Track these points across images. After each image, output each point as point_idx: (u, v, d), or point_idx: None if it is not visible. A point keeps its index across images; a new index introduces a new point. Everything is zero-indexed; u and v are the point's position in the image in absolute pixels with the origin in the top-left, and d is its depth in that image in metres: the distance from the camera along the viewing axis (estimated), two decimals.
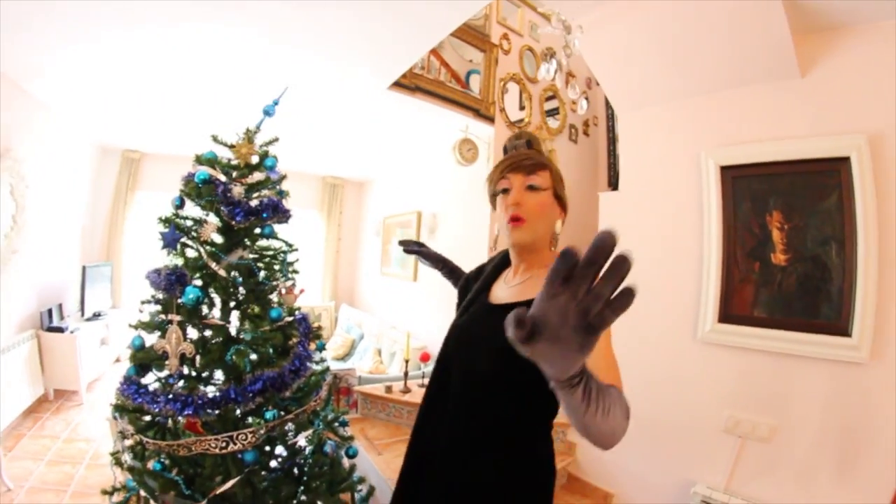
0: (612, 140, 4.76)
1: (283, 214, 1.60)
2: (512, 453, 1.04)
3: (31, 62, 2.96)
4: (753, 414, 2.22)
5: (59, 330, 3.83)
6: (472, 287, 1.37)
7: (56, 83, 3.32)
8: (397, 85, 3.25)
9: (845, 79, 2.11)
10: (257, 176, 1.60)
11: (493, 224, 4.91)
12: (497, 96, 3.75)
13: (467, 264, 1.50)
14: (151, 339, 1.50)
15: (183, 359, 1.43)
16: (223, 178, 1.54)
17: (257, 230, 1.62)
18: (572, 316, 0.54)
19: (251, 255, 1.59)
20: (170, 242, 1.50)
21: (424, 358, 3.59)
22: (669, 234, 2.61)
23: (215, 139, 1.62)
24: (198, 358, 1.48)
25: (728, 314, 2.35)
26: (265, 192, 1.61)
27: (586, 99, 3.22)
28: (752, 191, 2.34)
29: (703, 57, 2.40)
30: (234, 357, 1.44)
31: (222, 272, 1.49)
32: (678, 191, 2.59)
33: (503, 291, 1.24)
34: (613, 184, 4.61)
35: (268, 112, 1.65)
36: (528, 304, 0.95)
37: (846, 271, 2.04)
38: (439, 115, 3.62)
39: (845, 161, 2.05)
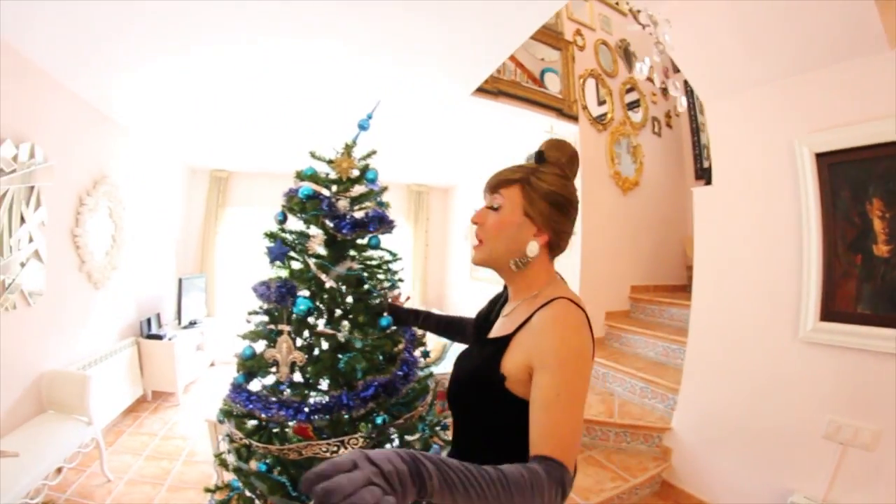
0: (695, 130, 4.73)
1: (388, 225, 1.71)
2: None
3: (118, 93, 3.31)
4: (856, 419, 2.19)
5: (158, 337, 4.35)
6: (483, 319, 1.42)
7: (140, 108, 3.66)
8: (480, 90, 3.41)
9: None
10: (358, 189, 1.72)
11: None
12: (579, 94, 3.84)
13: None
14: (257, 347, 1.65)
15: (293, 367, 1.56)
16: (326, 192, 1.67)
17: (361, 241, 1.74)
18: None
19: (357, 266, 1.69)
20: (277, 256, 1.63)
21: None
22: (767, 229, 2.61)
23: (313, 155, 1.75)
24: (308, 367, 1.60)
25: (830, 311, 2.33)
26: (367, 203, 1.72)
27: (686, 94, 3.26)
28: (849, 178, 2.31)
29: (784, 38, 2.39)
30: (347, 364, 1.54)
31: (331, 283, 1.61)
32: (772, 182, 2.58)
33: (498, 323, 1.28)
34: (700, 175, 4.60)
35: (363, 126, 1.75)
36: (503, 340, 1.12)
37: None
38: (523, 117, 3.74)
39: None
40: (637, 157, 4.13)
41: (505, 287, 1.38)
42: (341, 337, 1.60)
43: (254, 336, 1.64)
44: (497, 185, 1.19)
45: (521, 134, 4.14)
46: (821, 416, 2.29)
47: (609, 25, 4.21)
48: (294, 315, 1.58)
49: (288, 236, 1.68)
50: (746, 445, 2.59)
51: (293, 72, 3.05)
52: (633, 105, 4.36)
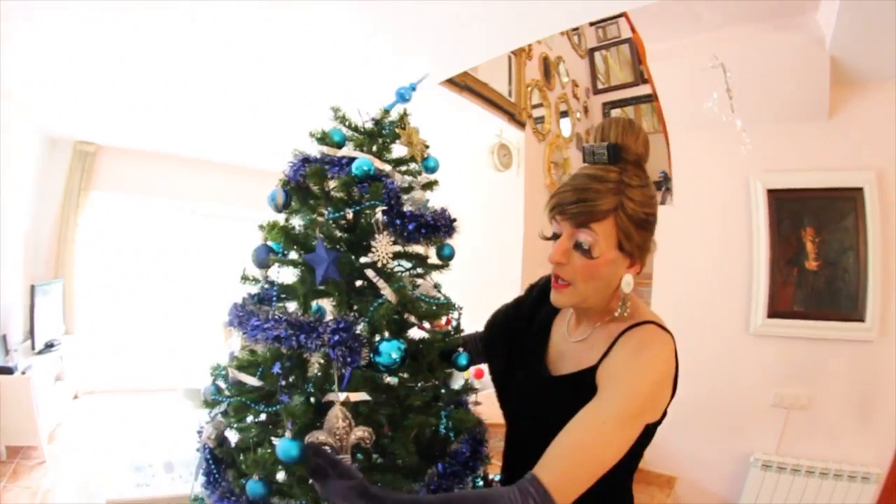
0: None
1: (453, 230, 1.33)
2: None
3: None
4: (795, 388, 3.42)
5: (8, 371, 3.62)
6: (517, 327, 1.41)
7: None
8: (449, 81, 3.74)
9: (861, 124, 3.34)
10: (424, 176, 1.43)
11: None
12: (527, 102, 4.46)
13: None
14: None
15: (355, 451, 1.13)
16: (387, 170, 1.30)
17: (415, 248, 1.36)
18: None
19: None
20: (329, 268, 1.16)
21: (479, 375, 4.43)
22: (723, 244, 3.68)
23: (340, 117, 1.37)
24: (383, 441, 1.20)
25: (774, 311, 3.51)
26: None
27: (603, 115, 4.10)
28: (790, 210, 3.52)
29: (753, 93, 3.40)
30: (428, 424, 1.25)
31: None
32: (729, 206, 3.67)
33: (564, 347, 1.28)
34: None
35: (403, 96, 1.42)
36: (587, 372, 1.12)
37: (860, 273, 3.30)
38: (478, 116, 4.15)
39: (860, 190, 3.31)
40: (566, 169, 5.00)
41: (539, 290, 1.44)
42: (417, 389, 1.27)
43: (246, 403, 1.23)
44: (586, 219, 1.10)
45: (470, 134, 4.57)
46: (769, 390, 3.48)
47: (551, 40, 4.97)
48: (355, 369, 1.12)
49: (297, 227, 1.30)
50: (708, 422, 3.68)
51: (187, 31, 2.94)
52: (562, 115, 5.28)
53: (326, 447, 1.04)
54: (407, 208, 1.23)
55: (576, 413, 1.03)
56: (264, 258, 1.30)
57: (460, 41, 3.13)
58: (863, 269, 3.38)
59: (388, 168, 1.31)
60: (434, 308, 1.30)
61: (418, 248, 1.37)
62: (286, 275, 1.32)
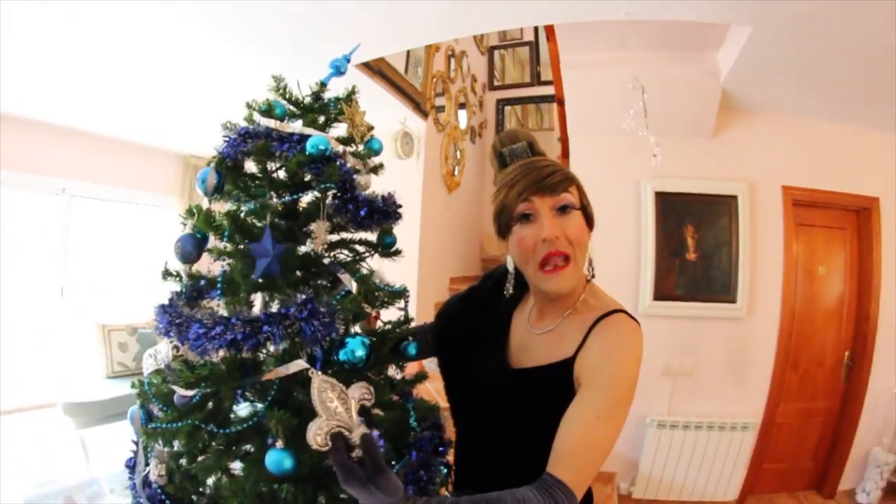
0: None
1: (398, 216, 1.24)
2: None
3: None
4: (680, 359, 4.02)
5: None
6: (473, 318, 1.38)
7: None
8: (364, 65, 3.82)
9: (739, 144, 4.01)
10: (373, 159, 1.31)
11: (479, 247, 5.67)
12: (431, 93, 4.62)
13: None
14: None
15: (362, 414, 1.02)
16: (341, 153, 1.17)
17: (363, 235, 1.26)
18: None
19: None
20: (272, 263, 1.01)
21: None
22: (612, 238, 4.14)
23: (281, 90, 1.22)
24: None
25: (659, 294, 4.06)
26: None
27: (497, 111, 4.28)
28: (674, 210, 4.08)
29: (651, 107, 3.79)
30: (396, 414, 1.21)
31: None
32: (620, 205, 4.15)
33: (528, 339, 1.26)
34: None
35: (339, 68, 1.29)
36: (562, 365, 1.12)
37: (732, 264, 3.95)
38: (385, 103, 4.26)
39: (734, 198, 3.98)
40: (462, 160, 5.29)
41: (495, 282, 1.41)
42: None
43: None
44: (563, 181, 1.14)
45: (375, 120, 4.62)
46: (658, 361, 4.02)
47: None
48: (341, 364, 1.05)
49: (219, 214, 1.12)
50: None
51: None
52: (460, 107, 5.46)
53: (340, 430, 0.91)
54: (359, 192, 1.15)
55: (547, 406, 1.10)
56: (191, 250, 1.13)
57: (394, 24, 3.23)
58: (734, 261, 4.07)
59: (341, 148, 1.19)
60: (388, 296, 1.24)
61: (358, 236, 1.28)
62: (214, 269, 1.16)
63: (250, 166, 1.18)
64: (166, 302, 1.10)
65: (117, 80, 3.95)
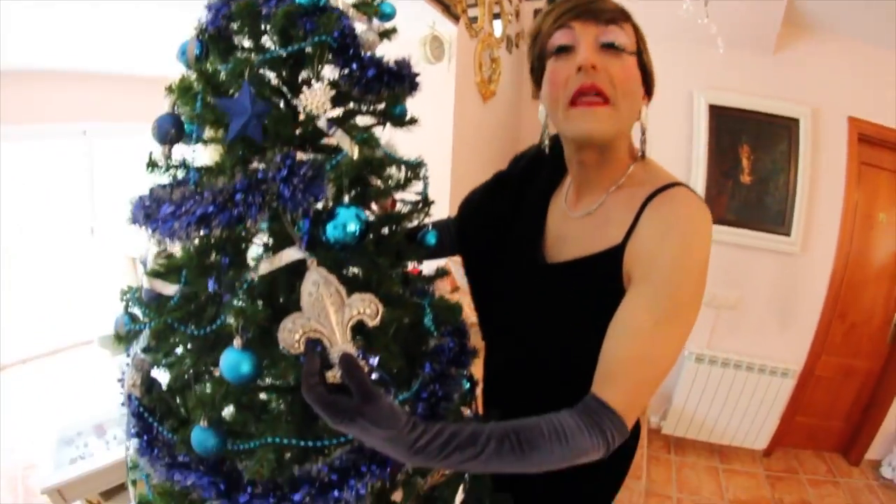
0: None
1: (414, 84, 1.06)
2: None
3: None
4: (726, 290, 3.70)
5: None
6: (501, 209, 1.18)
7: None
8: None
9: (802, 65, 3.60)
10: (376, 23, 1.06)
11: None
12: None
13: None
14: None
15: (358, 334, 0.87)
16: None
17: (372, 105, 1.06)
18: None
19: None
20: (250, 123, 0.83)
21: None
22: (664, 152, 3.93)
23: None
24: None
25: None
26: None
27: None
28: (730, 127, 3.70)
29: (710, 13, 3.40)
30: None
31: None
32: (671, 118, 3.76)
33: (566, 228, 1.06)
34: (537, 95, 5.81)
35: None
36: (607, 255, 0.90)
37: (789, 193, 3.58)
38: (412, 5, 3.74)
39: (796, 121, 3.58)
40: (496, 69, 4.90)
41: (526, 164, 1.21)
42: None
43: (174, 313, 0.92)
44: (615, 11, 0.93)
45: (402, 24, 4.26)
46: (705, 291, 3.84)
47: None
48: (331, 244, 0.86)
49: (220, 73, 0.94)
50: None
51: None
52: (495, 16, 5.05)
53: (316, 335, 0.75)
54: (364, 52, 0.97)
55: (590, 308, 0.93)
56: (167, 129, 0.96)
57: None
58: (791, 190, 3.68)
59: (341, 1, 0.99)
60: (403, 170, 1.05)
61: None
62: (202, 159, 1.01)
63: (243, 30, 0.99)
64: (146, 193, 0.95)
65: (123, 14, 3.72)
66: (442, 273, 1.11)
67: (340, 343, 0.75)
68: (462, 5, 4.33)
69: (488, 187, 1.30)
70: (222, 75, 0.92)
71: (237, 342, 0.78)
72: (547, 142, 1.12)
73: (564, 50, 0.92)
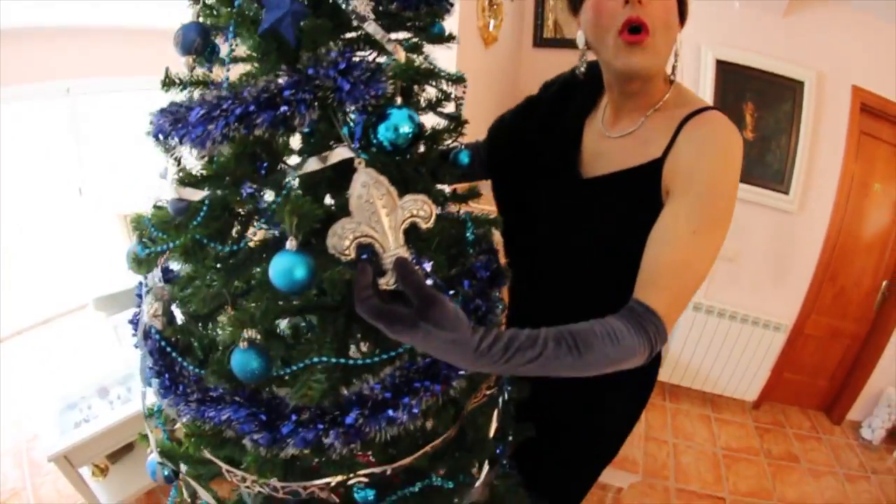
0: (540, 3, 5.68)
1: (450, 3, 1.03)
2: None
3: None
4: (726, 241, 3.93)
5: None
6: (533, 130, 1.18)
7: None
8: None
9: (811, 31, 3.61)
10: None
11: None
12: None
13: None
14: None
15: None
16: None
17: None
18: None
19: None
20: (284, 19, 0.76)
21: None
22: None
23: None
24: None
25: None
26: None
27: None
28: (735, 83, 3.72)
29: None
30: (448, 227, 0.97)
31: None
32: (678, 72, 3.94)
33: (602, 146, 1.08)
34: (538, 43, 5.70)
35: None
36: (647, 169, 0.95)
37: (789, 152, 3.64)
38: None
39: (801, 83, 3.61)
40: (499, 14, 4.82)
41: (558, 88, 1.22)
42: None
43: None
44: None
45: None
46: None
47: None
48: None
49: None
50: None
51: None
52: None
53: (368, 240, 0.71)
54: None
55: (628, 219, 0.98)
56: (193, 38, 0.88)
57: None
58: (793, 150, 3.72)
59: None
60: (443, 84, 1.04)
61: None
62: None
63: None
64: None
65: None
66: (475, 193, 1.09)
67: (394, 248, 0.72)
68: None
69: (520, 110, 1.32)
70: None
71: (291, 243, 0.72)
72: (582, 68, 1.14)
73: None
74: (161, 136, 0.81)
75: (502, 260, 1.08)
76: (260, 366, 0.77)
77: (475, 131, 1.37)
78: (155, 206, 0.97)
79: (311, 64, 0.73)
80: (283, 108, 0.70)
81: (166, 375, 0.89)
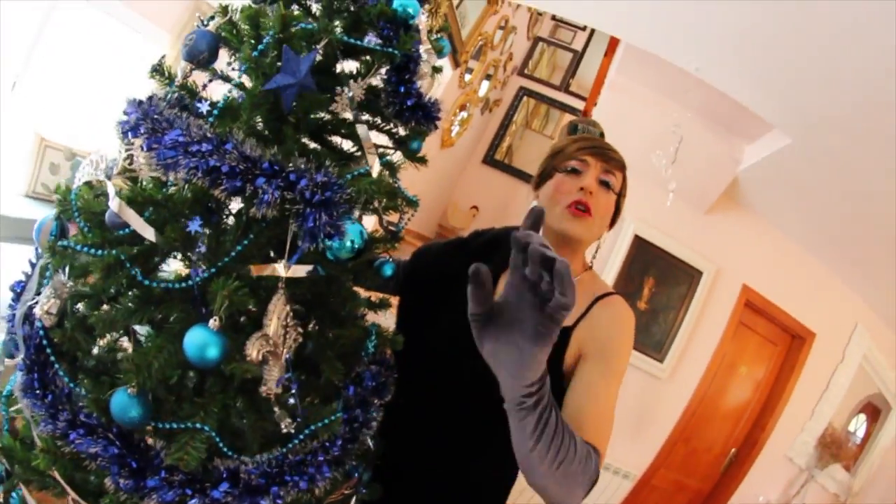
0: (505, 125, 6.31)
1: (435, 122, 1.00)
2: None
3: None
4: None
5: None
6: (455, 268, 1.13)
7: None
8: None
9: (725, 234, 4.20)
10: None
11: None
12: (471, 48, 4.54)
13: None
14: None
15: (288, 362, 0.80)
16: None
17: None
18: (530, 296, 0.67)
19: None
20: (204, 52, 0.84)
21: None
22: None
23: None
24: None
25: None
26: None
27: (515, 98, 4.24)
28: (643, 257, 4.19)
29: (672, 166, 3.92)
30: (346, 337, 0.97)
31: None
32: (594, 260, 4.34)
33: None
34: (486, 161, 6.17)
35: None
36: (568, 332, 1.10)
37: (673, 328, 4.10)
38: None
39: (700, 273, 4.16)
40: (465, 124, 5.20)
41: (485, 242, 1.35)
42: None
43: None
44: (620, 163, 1.21)
45: None
46: None
47: (518, 4, 4.94)
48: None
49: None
50: None
51: None
52: (486, 77, 5.40)
53: (263, 348, 0.75)
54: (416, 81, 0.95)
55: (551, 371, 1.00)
56: (202, 49, 0.88)
57: None
58: (676, 327, 4.22)
59: (423, 23, 0.97)
60: (399, 202, 1.05)
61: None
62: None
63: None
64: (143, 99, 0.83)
65: None
66: (386, 304, 1.13)
67: (277, 367, 0.78)
68: (466, 56, 4.63)
69: (447, 245, 1.41)
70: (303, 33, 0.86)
71: (214, 323, 0.72)
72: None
73: (575, 171, 1.18)
74: (130, 132, 0.78)
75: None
76: (140, 416, 0.75)
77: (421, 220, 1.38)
78: (85, 184, 0.90)
79: (293, 169, 0.75)
80: (251, 186, 0.72)
81: (36, 376, 0.82)
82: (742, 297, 4.33)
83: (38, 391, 0.81)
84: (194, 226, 0.77)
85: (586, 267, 1.27)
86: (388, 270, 1.08)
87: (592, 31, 6.31)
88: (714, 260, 4.28)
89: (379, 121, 1.04)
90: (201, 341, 0.72)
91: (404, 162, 1.09)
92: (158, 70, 0.91)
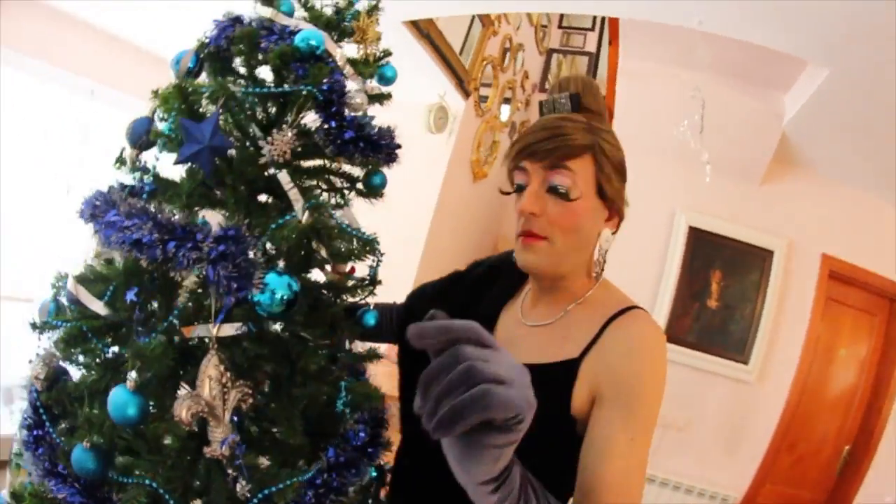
0: None
1: (393, 156, 1.02)
2: None
3: None
4: (676, 411, 3.67)
5: None
6: (453, 306, 1.05)
7: None
8: (412, 23, 3.45)
9: (786, 201, 3.74)
10: (371, 84, 1.06)
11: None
12: (479, 73, 4.39)
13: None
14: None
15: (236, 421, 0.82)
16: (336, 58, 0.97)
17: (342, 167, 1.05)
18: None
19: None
20: (202, 154, 0.83)
21: None
22: (633, 265, 3.69)
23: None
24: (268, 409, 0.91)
25: (669, 336, 3.89)
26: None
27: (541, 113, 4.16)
28: (704, 250, 3.80)
29: (704, 137, 3.52)
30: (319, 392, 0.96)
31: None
32: (647, 234, 3.83)
33: (516, 333, 1.07)
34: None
35: None
36: (561, 366, 0.92)
37: (753, 322, 3.66)
38: (427, 72, 3.94)
39: (771, 253, 3.69)
40: (494, 151, 5.01)
41: (485, 270, 1.23)
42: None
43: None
44: (562, 155, 0.93)
45: (412, 87, 4.13)
46: None
47: (519, 25, 4.97)
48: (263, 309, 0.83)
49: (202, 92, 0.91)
50: None
51: None
52: (505, 101, 5.20)
53: (192, 409, 0.75)
54: (348, 113, 0.95)
55: (556, 408, 0.92)
56: (141, 134, 0.96)
57: None
58: (756, 320, 3.74)
59: (338, 54, 0.98)
60: (354, 244, 1.00)
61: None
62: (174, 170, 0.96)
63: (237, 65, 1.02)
64: (105, 189, 0.94)
65: None
66: (374, 355, 1.08)
67: (221, 426, 0.78)
68: (475, 83, 4.47)
69: (443, 284, 1.32)
70: (203, 97, 0.89)
71: (130, 382, 0.76)
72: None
73: (521, 189, 0.98)
74: (82, 219, 0.87)
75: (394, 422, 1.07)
76: (94, 468, 0.79)
77: (448, 261, 1.33)
78: (85, 265, 0.96)
79: (199, 229, 0.76)
80: (168, 251, 0.74)
81: (33, 432, 0.90)
82: (823, 268, 3.81)
83: (32, 445, 0.88)
84: (130, 295, 0.84)
85: (590, 283, 1.04)
86: (370, 319, 1.05)
87: (602, 29, 6.04)
88: (783, 234, 3.80)
89: (327, 163, 1.03)
90: (120, 401, 0.75)
91: (348, 203, 1.06)
92: (118, 159, 1.00)
